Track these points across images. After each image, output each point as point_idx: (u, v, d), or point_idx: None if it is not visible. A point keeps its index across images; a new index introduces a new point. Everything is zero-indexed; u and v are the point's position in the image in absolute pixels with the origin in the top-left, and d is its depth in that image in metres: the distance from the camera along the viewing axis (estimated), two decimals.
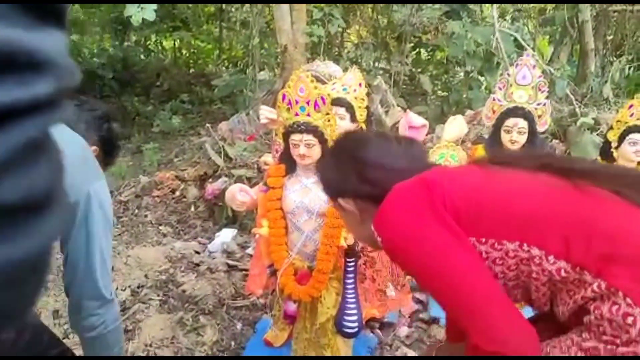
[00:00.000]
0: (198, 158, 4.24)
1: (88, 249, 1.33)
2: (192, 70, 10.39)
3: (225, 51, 10.19)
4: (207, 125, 4.37)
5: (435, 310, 2.46)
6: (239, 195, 1.98)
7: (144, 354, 2.12)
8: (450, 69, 7.93)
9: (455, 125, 2.35)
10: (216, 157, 3.83)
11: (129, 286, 2.52)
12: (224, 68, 10.42)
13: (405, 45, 6.62)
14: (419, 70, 7.68)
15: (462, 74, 7.48)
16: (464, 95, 5.81)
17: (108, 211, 1.40)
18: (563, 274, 0.88)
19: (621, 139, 2.15)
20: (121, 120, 9.34)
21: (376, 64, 7.45)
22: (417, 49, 7.63)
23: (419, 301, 2.58)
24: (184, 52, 10.88)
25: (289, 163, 1.93)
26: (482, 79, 6.38)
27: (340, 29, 6.43)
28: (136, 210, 3.74)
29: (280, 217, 1.96)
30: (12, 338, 1.23)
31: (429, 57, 7.93)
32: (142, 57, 10.87)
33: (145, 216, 3.63)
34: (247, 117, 4.47)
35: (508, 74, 2.23)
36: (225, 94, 8.32)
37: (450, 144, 2.32)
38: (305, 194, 1.91)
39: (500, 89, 2.25)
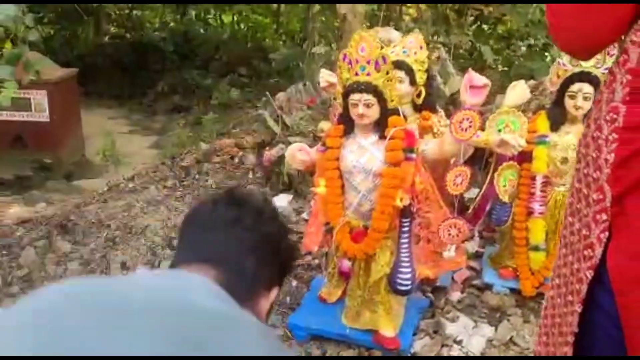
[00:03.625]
0: (256, 127, 4.34)
1: None
2: (249, 44, 10.52)
3: (283, 25, 10.24)
4: (267, 93, 4.45)
5: (489, 277, 2.46)
6: (298, 154, 2.04)
7: None
8: (513, 43, 7.66)
9: (517, 91, 2.30)
10: (274, 125, 3.91)
11: None
12: (280, 42, 10.50)
13: (467, 18, 6.45)
14: (480, 43, 7.47)
15: (524, 48, 7.22)
16: (526, 69, 5.63)
17: None
18: None
19: None
20: (182, 92, 9.67)
21: (435, 38, 7.31)
22: (478, 22, 7.42)
23: (472, 268, 2.58)
24: (242, 25, 11.01)
25: (347, 123, 1.97)
26: (546, 53, 6.15)
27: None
28: (197, 175, 3.89)
29: (337, 177, 2.00)
30: None
31: (491, 30, 7.69)
32: (201, 30, 11.11)
33: (206, 180, 3.77)
34: (304, 87, 4.52)
35: None
36: (282, 67, 8.41)
37: (511, 110, 2.27)
38: (362, 154, 1.94)
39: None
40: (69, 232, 3.00)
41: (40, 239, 2.94)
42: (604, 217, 0.81)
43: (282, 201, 3.33)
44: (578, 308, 0.86)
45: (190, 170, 3.94)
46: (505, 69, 6.90)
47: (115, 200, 3.35)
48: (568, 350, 0.90)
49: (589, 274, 0.83)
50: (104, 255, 2.71)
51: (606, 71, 2.08)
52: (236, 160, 3.97)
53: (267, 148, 3.86)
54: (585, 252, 0.84)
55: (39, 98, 6.14)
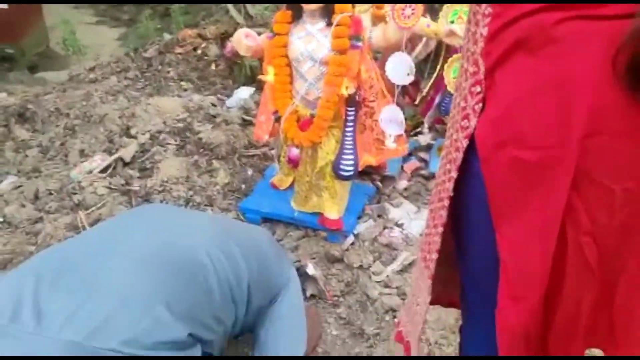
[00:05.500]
0: (220, 16, 4.21)
1: None
2: None
3: None
4: None
5: (435, 166, 2.56)
6: (245, 40, 2.02)
7: (160, 189, 2.32)
8: None
9: None
10: (237, 15, 3.80)
11: (149, 131, 2.68)
12: None
13: None
14: None
15: None
16: None
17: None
18: None
19: None
20: None
21: None
22: None
23: (422, 160, 2.68)
24: None
25: (295, 9, 1.94)
26: None
27: None
28: (159, 67, 3.81)
29: (285, 65, 2.01)
30: None
31: None
32: None
33: (168, 72, 3.71)
34: None
35: None
36: None
37: None
38: (310, 41, 1.94)
39: None
40: (28, 121, 3.00)
41: None
42: (478, 89, 0.86)
43: (243, 93, 3.33)
44: (454, 174, 0.93)
45: (152, 62, 3.87)
46: None
47: (75, 90, 3.31)
48: (443, 214, 0.98)
49: (465, 142, 0.89)
50: (62, 144, 2.73)
51: None
52: (199, 51, 3.89)
53: (230, 39, 3.78)
54: (462, 123, 0.90)
55: None
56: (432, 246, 1.05)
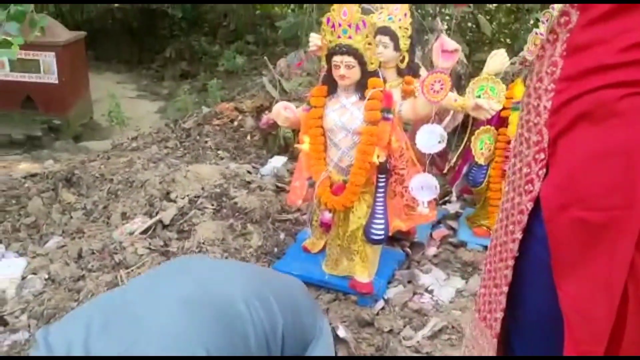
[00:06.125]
0: (256, 91, 4.47)
1: None
2: (258, 11, 10.51)
3: None
4: (265, 58, 4.55)
5: (464, 235, 2.61)
6: (283, 112, 2.17)
7: (197, 251, 2.42)
8: (521, 17, 7.66)
9: (496, 59, 2.41)
10: (272, 90, 4.04)
11: (187, 195, 2.82)
12: (289, 11, 10.48)
13: None
14: (487, 17, 7.47)
15: (532, 21, 7.23)
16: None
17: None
18: None
19: None
20: (189, 59, 9.76)
21: (442, 10, 7.32)
22: None
23: (450, 228, 2.73)
24: None
25: (330, 84, 2.10)
26: None
27: None
28: (197, 137, 4.04)
29: (320, 134, 2.14)
30: None
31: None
32: None
33: (206, 142, 3.92)
34: (305, 54, 4.63)
35: (552, 8, 2.25)
36: (289, 35, 8.46)
37: (490, 77, 2.39)
38: (343, 113, 2.07)
39: (543, 22, 2.28)
40: (74, 185, 3.17)
41: (46, 191, 3.11)
42: (542, 156, 0.95)
43: (277, 162, 3.49)
44: (519, 235, 1.00)
45: (191, 132, 4.09)
46: (510, 42, 6.94)
47: (118, 157, 3.52)
48: (508, 274, 1.04)
49: (530, 205, 0.97)
50: (105, 207, 2.88)
51: None
52: (235, 123, 4.11)
53: (265, 112, 4.00)
54: (526, 187, 0.99)
55: (48, 60, 6.28)
56: (494, 305, 1.10)
